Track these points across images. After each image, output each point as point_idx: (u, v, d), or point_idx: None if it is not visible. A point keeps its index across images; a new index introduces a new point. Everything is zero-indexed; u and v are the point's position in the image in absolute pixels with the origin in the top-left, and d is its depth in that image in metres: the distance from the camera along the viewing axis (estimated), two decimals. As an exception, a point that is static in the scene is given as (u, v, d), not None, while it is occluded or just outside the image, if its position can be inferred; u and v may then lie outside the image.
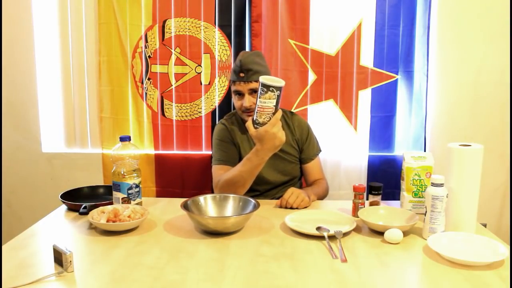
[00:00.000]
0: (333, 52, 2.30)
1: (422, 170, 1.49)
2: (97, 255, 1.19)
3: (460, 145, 1.30)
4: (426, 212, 1.29)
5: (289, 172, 1.84)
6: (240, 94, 1.73)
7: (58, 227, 1.43)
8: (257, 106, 1.38)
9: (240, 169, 1.55)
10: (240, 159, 1.77)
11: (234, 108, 2.30)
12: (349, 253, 1.19)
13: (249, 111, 1.73)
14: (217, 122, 2.36)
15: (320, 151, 1.92)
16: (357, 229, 1.37)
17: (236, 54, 2.30)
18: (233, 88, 1.75)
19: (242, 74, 1.69)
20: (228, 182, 1.59)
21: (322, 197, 1.80)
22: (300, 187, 1.93)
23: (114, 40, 2.32)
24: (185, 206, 1.38)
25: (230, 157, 1.76)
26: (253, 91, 1.71)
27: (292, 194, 1.58)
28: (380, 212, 1.47)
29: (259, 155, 1.48)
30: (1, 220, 2.51)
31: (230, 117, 1.90)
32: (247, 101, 1.71)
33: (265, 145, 1.44)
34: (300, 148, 1.87)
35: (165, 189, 2.43)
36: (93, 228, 1.38)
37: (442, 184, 1.26)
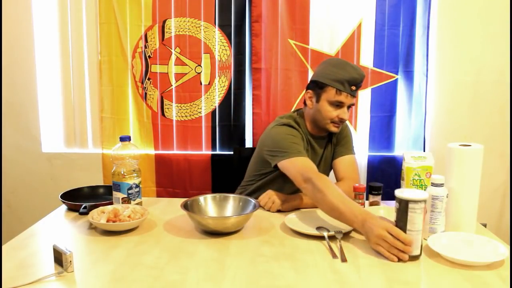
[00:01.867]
0: (333, 52, 2.30)
1: (422, 170, 1.49)
2: (97, 255, 1.19)
3: (460, 145, 1.30)
4: (426, 211, 1.29)
5: None
6: (339, 105, 1.62)
7: (58, 227, 1.43)
8: None
9: (338, 204, 1.31)
10: None
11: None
12: (349, 253, 1.19)
13: (340, 123, 1.66)
14: (217, 122, 2.37)
15: (353, 154, 1.80)
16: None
17: (236, 54, 2.31)
18: (333, 97, 1.61)
19: (354, 88, 1.61)
20: (321, 195, 1.36)
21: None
22: None
23: (114, 40, 2.32)
24: (185, 206, 1.38)
25: (305, 153, 1.61)
26: (350, 106, 1.65)
27: (265, 196, 1.58)
28: (380, 212, 1.47)
29: (357, 218, 1.27)
30: (1, 220, 2.51)
31: (293, 121, 1.71)
32: (346, 114, 1.64)
33: (364, 228, 1.24)
34: (334, 149, 1.79)
35: (165, 189, 2.43)
36: (93, 228, 1.38)
37: (442, 184, 1.26)
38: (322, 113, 1.65)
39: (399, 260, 1.16)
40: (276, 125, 1.70)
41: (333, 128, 1.67)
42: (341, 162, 1.76)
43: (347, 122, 2.31)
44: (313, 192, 1.40)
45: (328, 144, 1.78)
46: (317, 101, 1.66)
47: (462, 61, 2.33)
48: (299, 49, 2.30)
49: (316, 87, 1.66)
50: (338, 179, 1.77)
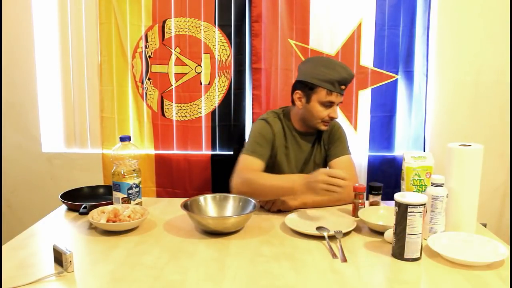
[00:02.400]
0: (333, 52, 2.30)
1: (422, 170, 1.49)
2: (97, 255, 1.19)
3: (460, 145, 1.30)
4: (426, 212, 1.29)
5: None
6: (329, 105, 1.63)
7: (58, 227, 1.43)
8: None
9: (272, 182, 1.50)
10: (276, 163, 1.71)
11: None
12: (349, 253, 1.19)
13: (331, 121, 1.68)
14: (217, 122, 2.37)
15: (349, 153, 1.76)
16: (357, 229, 1.37)
17: (236, 54, 2.30)
18: (324, 98, 1.62)
19: (343, 87, 1.63)
20: (252, 183, 1.51)
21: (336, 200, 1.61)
22: None
23: (114, 40, 2.32)
24: (185, 206, 1.38)
25: (265, 154, 1.66)
26: (339, 103, 1.67)
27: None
28: (380, 212, 1.47)
29: (296, 182, 1.43)
30: (1, 220, 2.51)
31: (275, 117, 1.74)
32: (336, 112, 1.66)
33: (306, 185, 1.40)
34: (327, 150, 1.78)
35: (165, 189, 2.43)
36: (93, 228, 1.38)
37: (442, 184, 1.26)
38: (313, 113, 1.65)
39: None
40: (257, 120, 1.76)
41: (323, 127, 1.68)
42: (338, 163, 1.74)
43: (345, 122, 2.33)
44: (248, 186, 1.50)
45: (316, 142, 1.77)
46: (308, 101, 1.66)
47: (462, 61, 2.33)
48: (299, 49, 2.30)
49: (306, 87, 1.65)
50: None
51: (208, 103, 2.36)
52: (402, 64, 2.30)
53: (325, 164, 1.79)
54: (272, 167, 1.70)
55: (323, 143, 1.78)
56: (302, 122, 1.72)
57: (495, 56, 2.31)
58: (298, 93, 1.68)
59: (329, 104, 1.63)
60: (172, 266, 1.12)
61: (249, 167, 1.60)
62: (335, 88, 1.60)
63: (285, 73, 2.30)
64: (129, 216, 1.36)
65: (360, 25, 2.28)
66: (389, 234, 1.25)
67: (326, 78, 1.60)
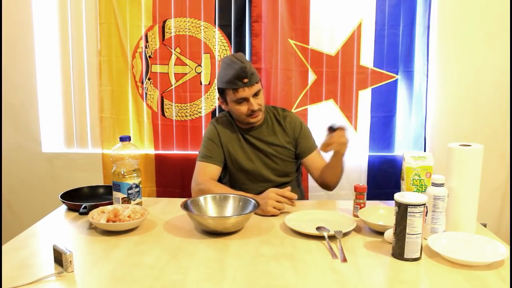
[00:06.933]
0: (333, 52, 2.30)
1: (422, 170, 1.49)
2: (97, 255, 1.20)
3: (460, 145, 1.30)
4: (427, 212, 1.29)
5: (282, 169, 1.80)
6: (245, 100, 1.67)
7: (58, 227, 1.43)
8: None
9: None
10: (232, 159, 1.77)
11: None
12: (349, 253, 1.19)
13: (255, 113, 1.70)
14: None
15: (317, 147, 1.84)
16: (357, 229, 1.37)
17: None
18: (233, 97, 1.67)
19: (246, 80, 1.64)
20: (205, 194, 1.54)
21: (339, 176, 1.74)
22: (299, 183, 1.93)
23: (114, 40, 2.32)
24: (185, 206, 1.38)
25: (214, 156, 1.75)
26: (256, 94, 1.68)
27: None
28: (380, 212, 1.47)
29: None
30: (1, 220, 2.51)
31: (221, 117, 1.85)
32: (255, 104, 1.67)
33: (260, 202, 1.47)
34: (295, 144, 1.82)
35: (165, 189, 2.43)
36: (93, 228, 1.38)
37: (443, 184, 1.26)
38: (235, 112, 1.73)
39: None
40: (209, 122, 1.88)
41: (252, 120, 1.73)
42: (312, 160, 1.81)
43: (345, 122, 2.33)
44: (202, 194, 1.53)
45: (267, 129, 1.80)
46: (226, 104, 1.74)
47: (462, 61, 2.33)
48: (299, 49, 2.30)
49: (220, 92, 1.75)
50: (317, 176, 1.79)
51: (208, 103, 2.37)
52: (402, 64, 2.30)
53: (295, 150, 1.83)
54: (231, 162, 1.78)
55: (284, 134, 1.81)
56: (238, 121, 1.80)
57: (495, 56, 2.31)
58: (219, 99, 1.80)
59: (243, 100, 1.68)
60: (172, 266, 1.12)
61: (204, 173, 1.73)
62: (237, 84, 1.65)
63: (285, 73, 2.30)
64: (129, 216, 1.36)
65: (360, 25, 2.28)
66: (389, 234, 1.25)
67: (226, 79, 1.67)
